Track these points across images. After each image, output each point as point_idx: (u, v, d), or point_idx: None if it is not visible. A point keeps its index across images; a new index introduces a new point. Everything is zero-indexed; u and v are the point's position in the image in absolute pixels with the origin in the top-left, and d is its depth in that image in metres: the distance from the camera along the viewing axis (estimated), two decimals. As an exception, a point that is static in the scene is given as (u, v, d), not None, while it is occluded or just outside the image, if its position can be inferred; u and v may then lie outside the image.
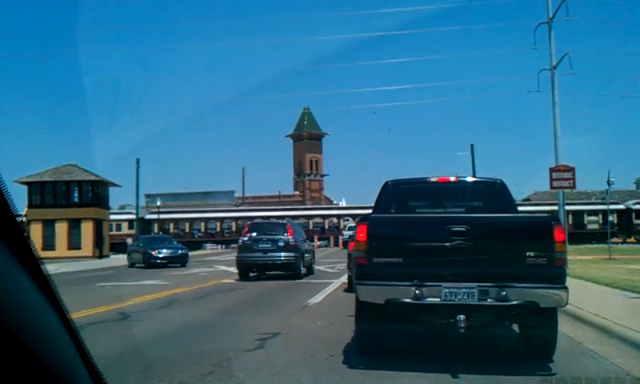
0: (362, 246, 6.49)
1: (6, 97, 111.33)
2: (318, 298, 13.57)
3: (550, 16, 25.97)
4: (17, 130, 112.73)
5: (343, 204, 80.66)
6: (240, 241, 20.16)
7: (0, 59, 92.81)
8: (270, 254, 19.24)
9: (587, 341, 7.87)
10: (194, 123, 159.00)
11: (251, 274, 19.78)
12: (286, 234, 19.52)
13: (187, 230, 75.59)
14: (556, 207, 24.35)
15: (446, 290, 6.09)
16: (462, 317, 6.03)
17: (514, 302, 6.04)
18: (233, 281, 19.34)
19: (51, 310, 1.30)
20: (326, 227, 69.75)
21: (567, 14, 25.82)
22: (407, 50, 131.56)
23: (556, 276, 6.15)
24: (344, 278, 17.15)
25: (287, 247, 19.25)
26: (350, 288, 13.65)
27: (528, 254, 6.21)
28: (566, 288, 6.12)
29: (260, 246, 19.40)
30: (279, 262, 19.23)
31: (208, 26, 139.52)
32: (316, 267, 22.78)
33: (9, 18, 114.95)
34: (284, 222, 21.15)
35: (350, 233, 30.15)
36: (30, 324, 1.22)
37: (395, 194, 8.25)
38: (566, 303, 6.22)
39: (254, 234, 19.83)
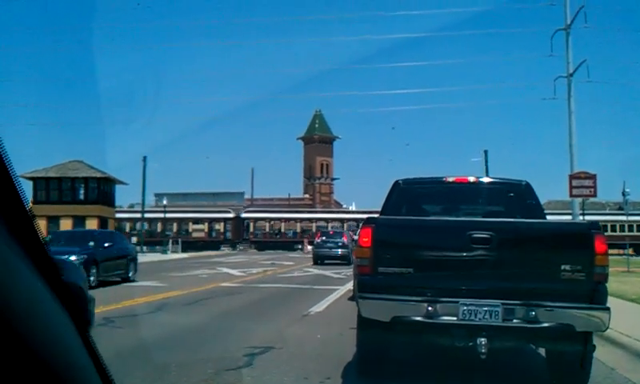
0: (365, 253, 5.52)
1: (16, 91, 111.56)
2: (321, 306, 12.67)
3: (568, 23, 25.05)
4: (26, 125, 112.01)
5: (353, 208, 79.73)
6: (315, 242, 34.26)
7: (11, 53, 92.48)
8: (332, 250, 31.53)
9: (621, 367, 6.91)
10: (206, 125, 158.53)
11: (319, 261, 30.83)
12: (342, 238, 32.38)
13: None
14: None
15: (465, 308, 5.12)
16: (483, 340, 5.06)
17: (545, 325, 5.07)
18: (233, 284, 18.51)
19: (63, 311, 1.25)
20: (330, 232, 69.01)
21: (585, 20, 24.93)
22: (422, 55, 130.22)
23: (596, 294, 5.17)
24: (349, 285, 16.25)
25: (343, 246, 31.37)
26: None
27: (563, 267, 5.22)
28: (607, 309, 5.13)
29: (327, 245, 32.01)
30: (338, 255, 30.93)
31: (221, 28, 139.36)
32: (321, 272, 24.62)
33: (22, 9, 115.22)
34: (342, 230, 39.96)
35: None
36: (42, 326, 1.18)
37: (406, 194, 7.26)
38: (607, 327, 5.24)
39: (324, 238, 33.04)
